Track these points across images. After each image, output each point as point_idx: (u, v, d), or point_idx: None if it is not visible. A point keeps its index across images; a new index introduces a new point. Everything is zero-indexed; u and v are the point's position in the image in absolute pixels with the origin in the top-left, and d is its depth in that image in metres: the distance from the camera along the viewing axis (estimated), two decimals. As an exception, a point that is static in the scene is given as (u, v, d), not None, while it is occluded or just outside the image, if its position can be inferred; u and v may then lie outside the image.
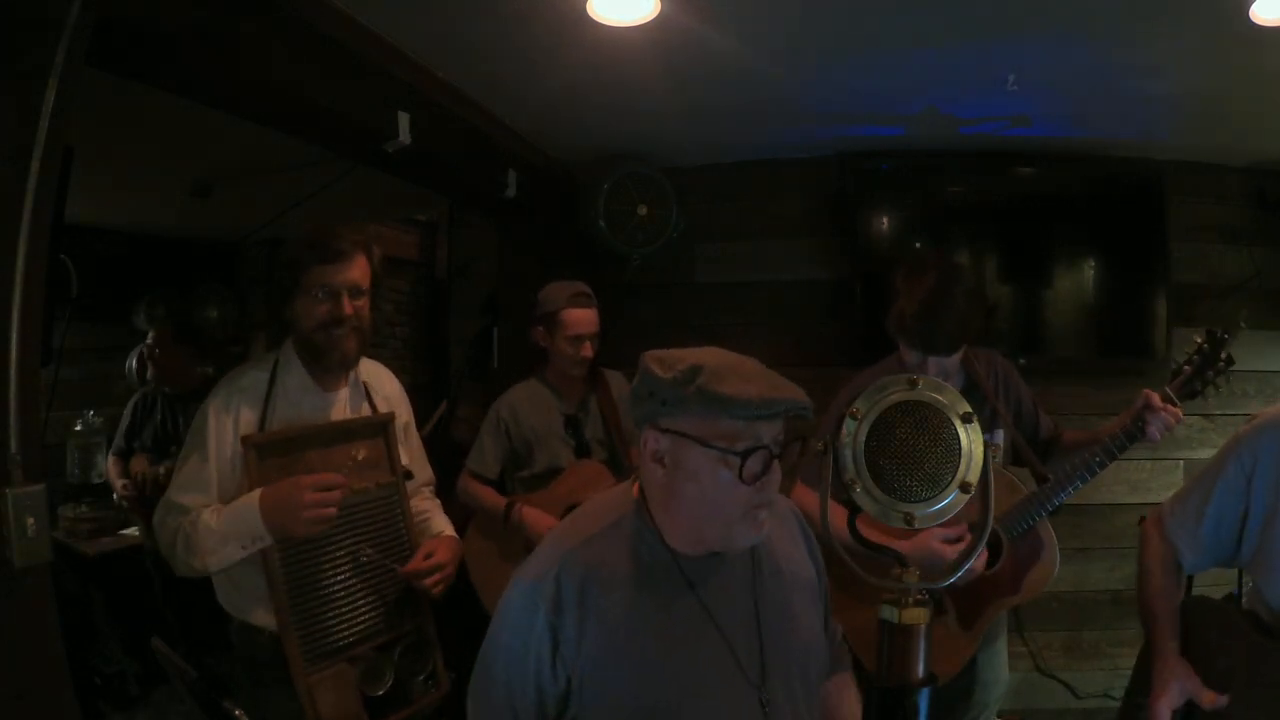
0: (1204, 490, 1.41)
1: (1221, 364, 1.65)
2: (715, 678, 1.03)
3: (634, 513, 1.08)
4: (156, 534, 1.55)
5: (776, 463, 1.00)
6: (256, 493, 1.48)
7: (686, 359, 0.99)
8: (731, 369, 0.98)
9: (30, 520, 1.17)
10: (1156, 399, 1.68)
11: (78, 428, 3.26)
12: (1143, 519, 1.62)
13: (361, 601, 1.61)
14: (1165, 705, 1.31)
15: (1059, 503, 1.80)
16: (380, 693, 1.57)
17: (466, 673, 1.12)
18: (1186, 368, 1.68)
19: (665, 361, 1.00)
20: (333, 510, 1.49)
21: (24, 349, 1.19)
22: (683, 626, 1.03)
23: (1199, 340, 1.67)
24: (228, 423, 1.56)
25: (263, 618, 1.56)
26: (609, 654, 1.00)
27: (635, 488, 1.12)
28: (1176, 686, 1.31)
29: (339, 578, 1.58)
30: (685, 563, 1.06)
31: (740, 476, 0.97)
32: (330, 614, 1.56)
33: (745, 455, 0.96)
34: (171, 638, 1.47)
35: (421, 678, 1.67)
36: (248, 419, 1.58)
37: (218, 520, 1.48)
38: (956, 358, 1.85)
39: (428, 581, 1.65)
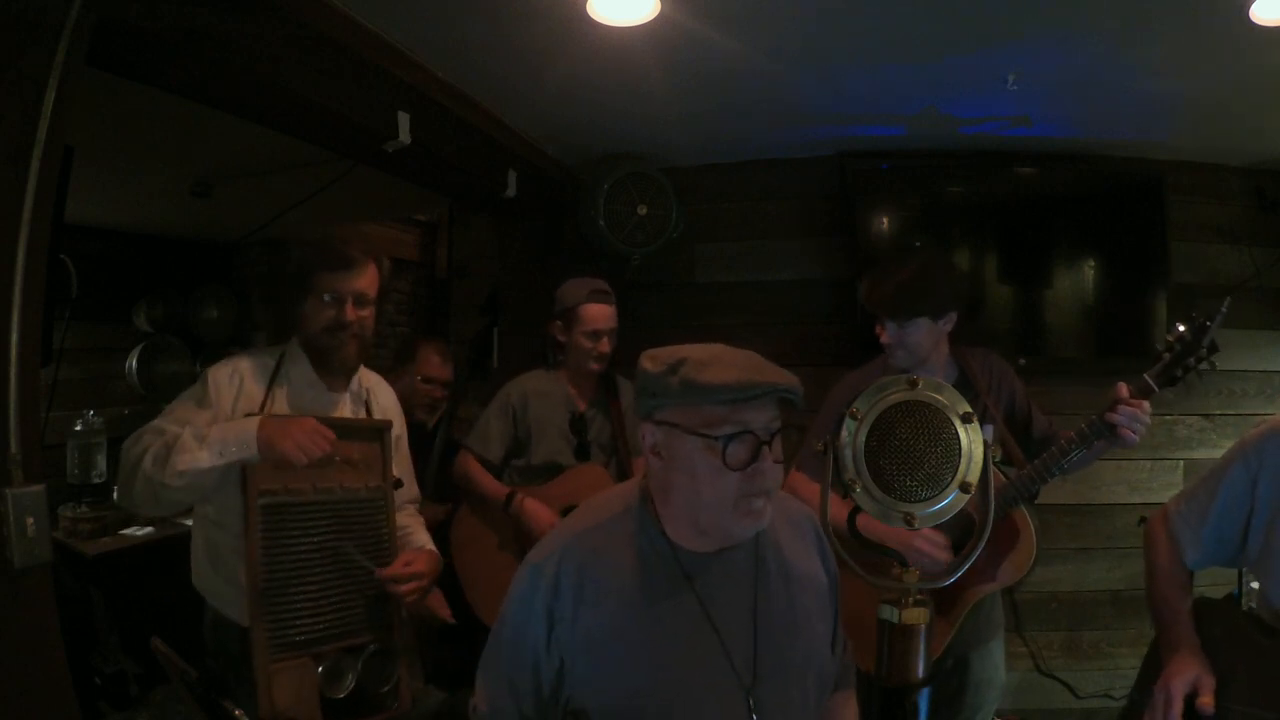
0: (1209, 490, 1.43)
1: (1203, 351, 1.61)
2: (704, 674, 1.03)
3: (639, 504, 1.10)
4: (123, 456, 1.53)
5: (769, 449, 1.00)
6: (258, 417, 1.51)
7: (676, 353, 1.02)
8: (717, 358, 1.00)
9: (30, 520, 1.18)
10: (1124, 391, 1.65)
11: (78, 428, 3.25)
12: (1143, 519, 1.62)
13: (335, 598, 1.60)
14: (1179, 684, 1.28)
15: (1035, 491, 1.78)
16: (340, 695, 1.56)
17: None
18: (1166, 355, 1.65)
19: (656, 357, 1.04)
20: (322, 449, 1.50)
21: (24, 349, 1.19)
22: (676, 620, 1.04)
23: (1181, 327, 1.64)
24: (230, 391, 1.59)
25: (233, 607, 1.56)
26: (599, 640, 1.02)
27: (643, 481, 1.14)
28: (1193, 673, 1.29)
29: (315, 569, 1.58)
30: (685, 556, 1.07)
31: (725, 462, 0.98)
32: (302, 603, 1.55)
33: (728, 440, 0.97)
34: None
35: (385, 689, 1.64)
36: (251, 394, 1.61)
37: (214, 430, 1.49)
38: (920, 335, 1.84)
39: (403, 589, 1.64)
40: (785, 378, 1.00)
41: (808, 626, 1.13)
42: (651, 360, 1.04)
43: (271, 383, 1.64)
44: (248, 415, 1.56)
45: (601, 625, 1.02)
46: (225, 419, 1.56)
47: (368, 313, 1.69)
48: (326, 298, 1.64)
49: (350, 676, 1.58)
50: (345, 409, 1.74)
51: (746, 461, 0.98)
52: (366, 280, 1.68)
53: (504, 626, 1.09)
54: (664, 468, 1.05)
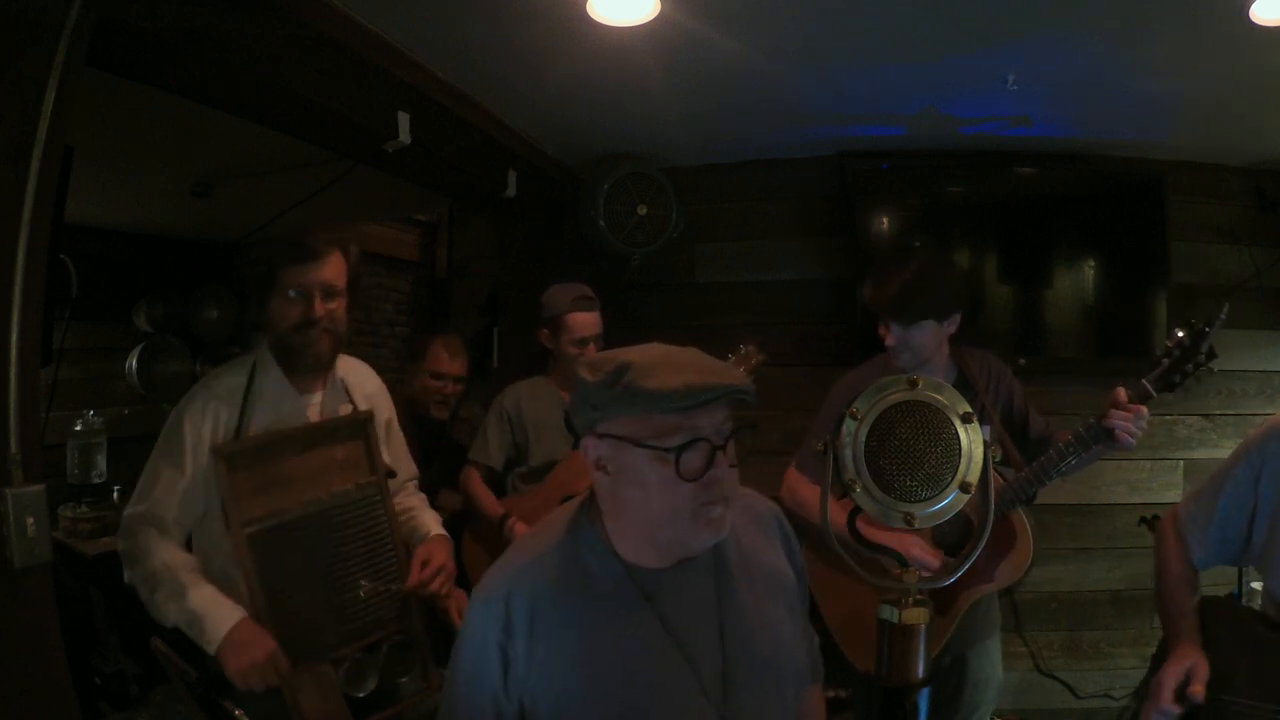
0: (1214, 489, 1.45)
1: (1201, 357, 1.63)
2: (672, 696, 0.98)
3: (586, 526, 1.04)
4: (123, 534, 1.51)
5: (723, 454, 0.95)
6: (238, 616, 1.43)
7: (616, 359, 0.95)
8: (661, 362, 0.93)
9: (30, 520, 1.18)
10: (1122, 396, 1.66)
11: (78, 428, 3.26)
12: (1143, 519, 1.63)
13: (343, 603, 1.57)
14: (1172, 672, 1.30)
15: (1033, 494, 1.79)
16: (363, 694, 1.54)
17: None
18: (1164, 360, 1.67)
19: (595, 366, 0.97)
20: (270, 683, 1.42)
21: (24, 349, 1.19)
22: (637, 643, 0.99)
23: (1179, 333, 1.66)
24: (204, 430, 1.52)
25: None
26: (559, 676, 0.97)
27: (589, 500, 1.08)
28: (1188, 663, 1.31)
29: (318, 582, 1.54)
30: (640, 575, 1.01)
31: (679, 473, 0.92)
32: (307, 616, 1.52)
33: (680, 451, 0.92)
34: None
35: (407, 678, 1.63)
36: (225, 425, 1.54)
37: (194, 597, 1.44)
38: (925, 336, 1.84)
39: (433, 586, 1.63)
40: (736, 378, 0.94)
41: (777, 626, 1.09)
42: (590, 369, 0.97)
43: (244, 401, 1.57)
44: (217, 444, 1.50)
45: (559, 660, 0.97)
46: (202, 474, 1.50)
47: (337, 305, 1.60)
48: (292, 293, 1.56)
49: (372, 675, 1.57)
50: (320, 409, 1.67)
51: (701, 470, 0.93)
52: (333, 270, 1.58)
53: (458, 666, 1.02)
54: (611, 483, 0.98)
